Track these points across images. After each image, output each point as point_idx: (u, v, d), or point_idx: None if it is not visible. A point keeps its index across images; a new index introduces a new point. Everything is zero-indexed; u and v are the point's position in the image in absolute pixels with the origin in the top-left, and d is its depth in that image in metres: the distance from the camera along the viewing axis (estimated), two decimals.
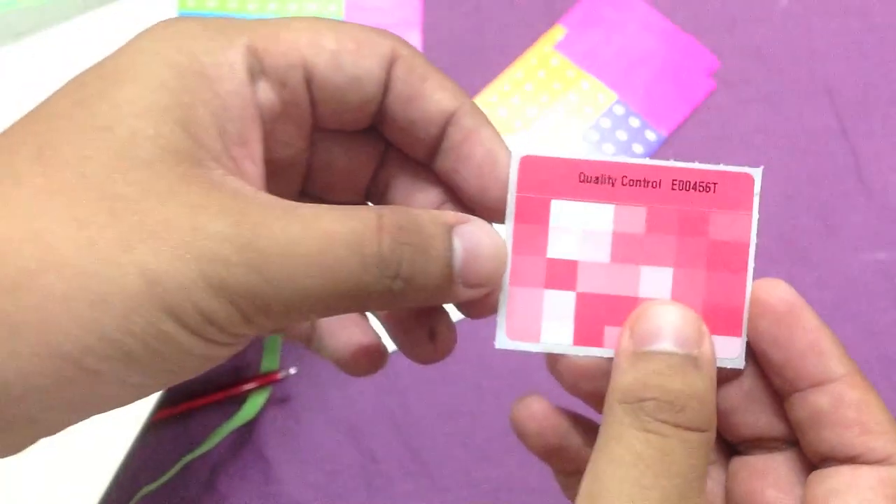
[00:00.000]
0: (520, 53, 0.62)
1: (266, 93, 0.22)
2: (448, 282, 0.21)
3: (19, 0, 0.53)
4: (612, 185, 0.23)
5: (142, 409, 0.43)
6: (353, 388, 0.53)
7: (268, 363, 0.51)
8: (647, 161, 0.23)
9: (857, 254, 0.57)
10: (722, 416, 0.25)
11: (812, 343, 0.23)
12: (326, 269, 0.19)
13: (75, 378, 0.18)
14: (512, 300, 0.23)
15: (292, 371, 0.51)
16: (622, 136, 0.60)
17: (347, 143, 0.25)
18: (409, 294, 0.21)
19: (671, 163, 0.24)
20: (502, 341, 0.24)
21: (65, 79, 0.21)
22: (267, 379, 0.51)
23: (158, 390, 0.20)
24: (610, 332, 0.24)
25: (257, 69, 0.22)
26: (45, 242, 0.18)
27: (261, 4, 0.63)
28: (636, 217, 0.23)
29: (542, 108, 0.61)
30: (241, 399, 0.51)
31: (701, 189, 0.23)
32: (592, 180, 0.23)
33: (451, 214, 0.22)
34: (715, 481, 0.27)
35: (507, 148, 0.24)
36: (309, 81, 0.22)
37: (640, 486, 0.20)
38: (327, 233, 0.19)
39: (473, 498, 0.50)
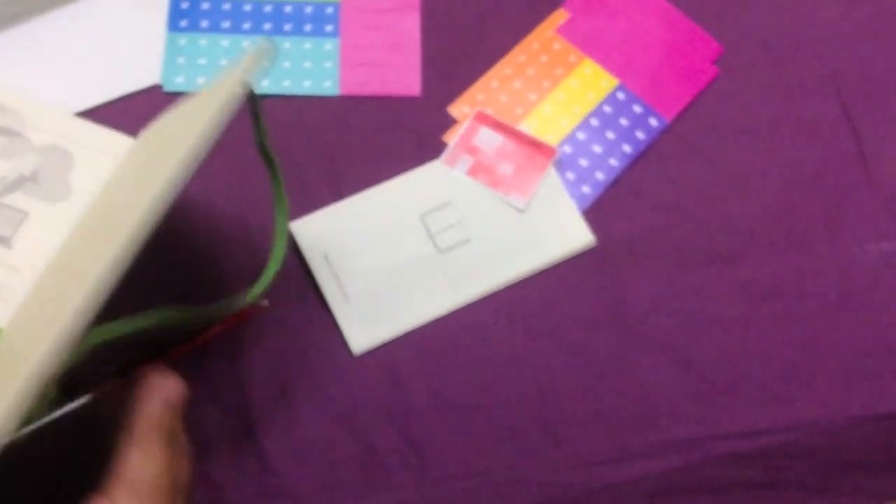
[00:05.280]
0: (521, 37, 0.61)
1: None
2: None
3: None
4: None
5: None
6: (351, 378, 0.52)
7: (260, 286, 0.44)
8: None
9: (862, 244, 0.56)
10: None
11: None
12: None
13: None
14: None
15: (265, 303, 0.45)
16: (624, 122, 0.59)
17: None
18: None
19: None
20: None
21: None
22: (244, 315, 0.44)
23: None
24: None
25: None
26: None
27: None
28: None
29: (544, 93, 0.60)
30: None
31: None
32: None
33: None
34: None
35: None
36: None
37: None
38: None
39: (472, 490, 0.50)
